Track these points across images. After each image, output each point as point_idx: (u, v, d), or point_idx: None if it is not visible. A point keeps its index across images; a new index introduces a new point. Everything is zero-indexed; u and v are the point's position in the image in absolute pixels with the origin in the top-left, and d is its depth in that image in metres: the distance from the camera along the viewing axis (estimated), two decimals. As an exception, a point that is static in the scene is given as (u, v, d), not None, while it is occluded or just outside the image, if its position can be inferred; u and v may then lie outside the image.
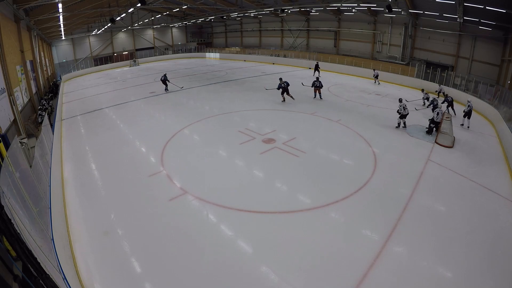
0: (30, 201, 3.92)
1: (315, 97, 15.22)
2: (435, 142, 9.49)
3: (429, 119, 10.24)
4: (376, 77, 19.85)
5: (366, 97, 15.82)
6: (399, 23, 22.88)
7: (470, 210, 6.07)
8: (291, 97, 14.17)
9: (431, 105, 11.72)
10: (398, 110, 10.55)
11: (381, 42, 25.15)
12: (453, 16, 16.74)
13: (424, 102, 14.00)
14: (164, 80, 17.74)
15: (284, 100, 14.36)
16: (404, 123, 10.72)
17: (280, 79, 14.31)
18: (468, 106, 10.89)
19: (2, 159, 3.91)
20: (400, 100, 10.71)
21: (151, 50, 40.51)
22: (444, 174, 7.55)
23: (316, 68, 22.38)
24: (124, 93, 18.17)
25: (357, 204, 6.19)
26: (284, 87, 13.94)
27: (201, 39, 46.46)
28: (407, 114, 10.53)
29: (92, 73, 30.11)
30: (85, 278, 4.36)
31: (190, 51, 42.26)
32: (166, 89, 17.84)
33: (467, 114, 10.93)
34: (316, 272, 4.49)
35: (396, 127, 10.79)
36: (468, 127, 11.13)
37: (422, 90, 14.74)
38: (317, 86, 14.97)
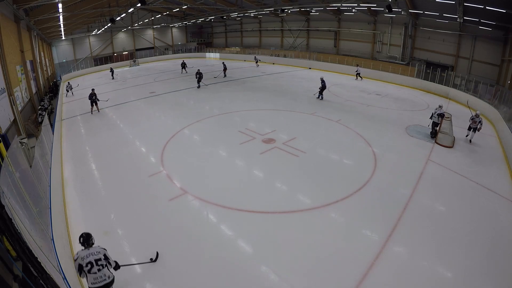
0: (30, 201, 3.92)
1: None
2: (435, 142, 9.50)
3: (432, 120, 9.96)
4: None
5: (366, 97, 15.82)
6: (399, 23, 22.88)
7: (470, 210, 6.08)
8: (202, 84, 18.98)
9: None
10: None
11: (381, 42, 25.16)
12: (453, 16, 16.75)
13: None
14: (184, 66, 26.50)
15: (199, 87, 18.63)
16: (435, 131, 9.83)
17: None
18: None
19: (2, 159, 3.92)
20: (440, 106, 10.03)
21: (151, 50, 40.51)
22: (444, 174, 7.55)
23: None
24: (124, 93, 18.16)
25: (357, 204, 6.19)
26: (201, 75, 18.85)
27: (201, 39, 46.45)
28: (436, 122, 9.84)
29: (92, 73, 30.08)
30: (85, 278, 4.35)
31: (190, 51, 42.22)
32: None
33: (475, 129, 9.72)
34: (316, 272, 4.49)
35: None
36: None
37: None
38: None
